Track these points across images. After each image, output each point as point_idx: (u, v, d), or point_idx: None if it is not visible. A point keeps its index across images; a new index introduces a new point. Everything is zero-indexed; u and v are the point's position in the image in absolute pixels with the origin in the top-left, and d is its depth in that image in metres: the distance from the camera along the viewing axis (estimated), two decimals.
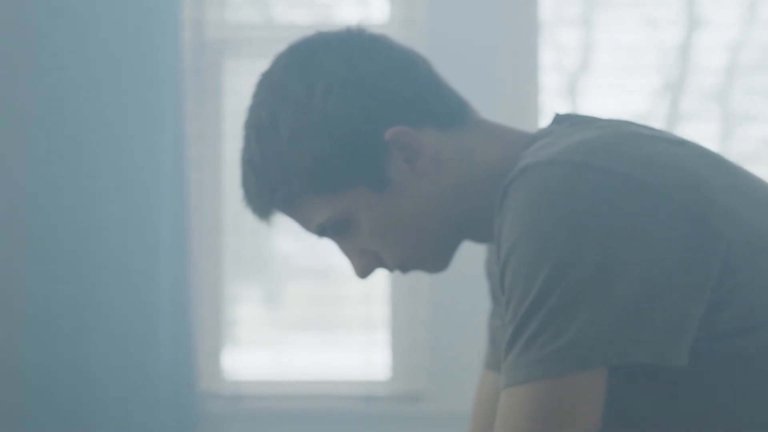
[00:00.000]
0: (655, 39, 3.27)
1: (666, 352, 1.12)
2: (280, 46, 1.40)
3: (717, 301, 1.15)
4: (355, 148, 1.33)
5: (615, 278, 1.11)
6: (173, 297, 3.09)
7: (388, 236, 1.36)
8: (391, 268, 1.40)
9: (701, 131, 3.32)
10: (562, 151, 1.17)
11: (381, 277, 3.19)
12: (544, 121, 3.22)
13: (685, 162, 1.19)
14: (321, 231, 1.38)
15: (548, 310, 1.12)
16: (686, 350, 1.14)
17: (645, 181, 1.14)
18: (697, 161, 1.21)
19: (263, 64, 1.41)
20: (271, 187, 1.36)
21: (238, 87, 3.25)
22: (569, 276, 1.11)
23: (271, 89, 1.37)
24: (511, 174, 1.19)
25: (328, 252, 3.23)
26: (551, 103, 3.27)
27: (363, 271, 1.40)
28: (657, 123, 3.23)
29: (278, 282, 3.45)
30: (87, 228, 3.07)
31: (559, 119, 1.35)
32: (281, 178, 1.35)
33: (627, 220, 1.12)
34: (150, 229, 3.07)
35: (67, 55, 3.08)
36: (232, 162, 3.20)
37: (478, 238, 1.41)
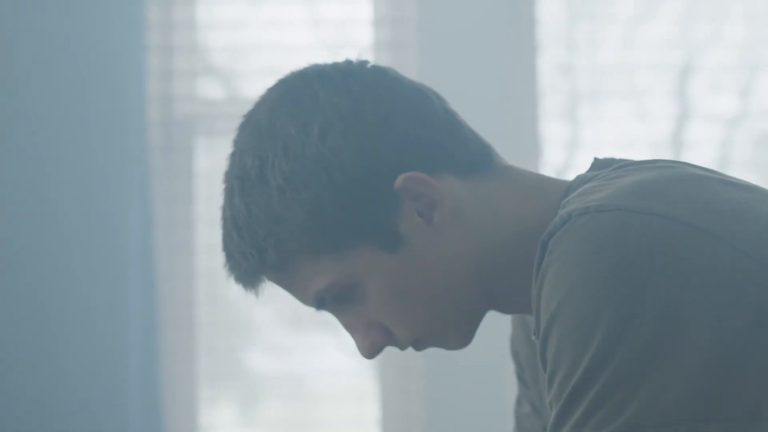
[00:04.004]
0: (647, 131, 3.30)
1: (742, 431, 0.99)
2: None
3: None
4: (359, 199, 1.20)
5: (680, 344, 0.99)
6: (144, 410, 3.01)
7: (400, 305, 1.23)
8: (402, 345, 1.27)
9: None
10: (613, 196, 1.06)
11: (369, 372, 3.12)
12: None
13: (752, 207, 1.08)
14: (319, 301, 1.24)
15: (602, 384, 1.00)
16: (766, 430, 1.00)
17: (709, 229, 1.03)
18: (765, 206, 1.08)
19: None
20: (259, 249, 1.22)
21: (210, 167, 3.22)
22: (626, 343, 1.00)
23: (257, 131, 1.23)
24: (553, 224, 1.07)
25: (309, 351, 3.16)
26: None
27: (370, 350, 1.26)
28: None
29: (255, 388, 3.34)
30: (49, 325, 3.00)
31: (599, 164, 1.23)
32: (271, 237, 1.21)
33: (691, 275, 1.01)
34: (116, 322, 2.99)
35: (25, 133, 3.03)
36: (205, 249, 3.13)
37: (506, 308, 1.29)
